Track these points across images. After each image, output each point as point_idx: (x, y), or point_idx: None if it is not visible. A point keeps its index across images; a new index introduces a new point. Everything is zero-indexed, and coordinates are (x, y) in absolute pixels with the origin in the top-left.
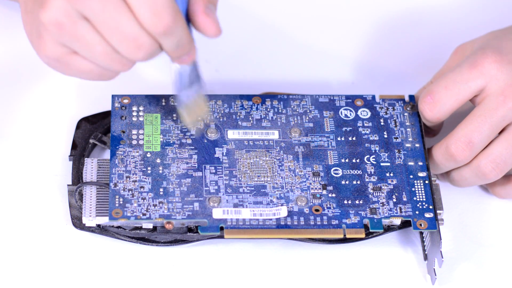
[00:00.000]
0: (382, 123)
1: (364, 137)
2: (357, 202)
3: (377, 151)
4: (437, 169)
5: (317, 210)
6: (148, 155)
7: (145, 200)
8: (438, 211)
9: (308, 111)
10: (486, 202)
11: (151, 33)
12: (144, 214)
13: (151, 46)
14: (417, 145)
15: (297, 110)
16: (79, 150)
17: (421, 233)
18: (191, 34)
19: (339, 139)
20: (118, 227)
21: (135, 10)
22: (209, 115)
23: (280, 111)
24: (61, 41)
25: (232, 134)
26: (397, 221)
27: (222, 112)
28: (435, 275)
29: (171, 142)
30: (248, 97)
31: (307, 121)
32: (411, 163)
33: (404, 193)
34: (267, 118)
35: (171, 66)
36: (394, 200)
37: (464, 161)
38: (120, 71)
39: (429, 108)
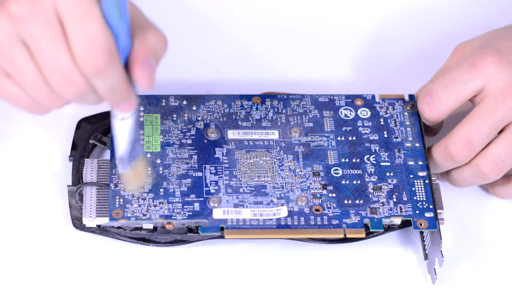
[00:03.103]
0: (382, 123)
1: (364, 136)
2: (357, 201)
3: (377, 151)
4: (436, 168)
5: (317, 210)
6: (148, 155)
7: (145, 201)
8: (438, 211)
9: (308, 111)
10: (486, 202)
11: (83, 72)
12: (144, 215)
13: (82, 85)
14: (417, 144)
15: (297, 110)
16: (79, 151)
17: (421, 232)
18: (133, 85)
19: (339, 139)
20: (119, 227)
21: (72, 44)
22: (144, 184)
23: (280, 111)
24: None
25: (232, 134)
26: (397, 221)
27: (222, 112)
28: (436, 274)
29: (171, 142)
30: (248, 97)
31: (307, 121)
32: (411, 163)
33: (404, 192)
34: (267, 118)
35: (112, 121)
36: (394, 199)
37: (463, 161)
38: (49, 108)
39: (428, 107)
